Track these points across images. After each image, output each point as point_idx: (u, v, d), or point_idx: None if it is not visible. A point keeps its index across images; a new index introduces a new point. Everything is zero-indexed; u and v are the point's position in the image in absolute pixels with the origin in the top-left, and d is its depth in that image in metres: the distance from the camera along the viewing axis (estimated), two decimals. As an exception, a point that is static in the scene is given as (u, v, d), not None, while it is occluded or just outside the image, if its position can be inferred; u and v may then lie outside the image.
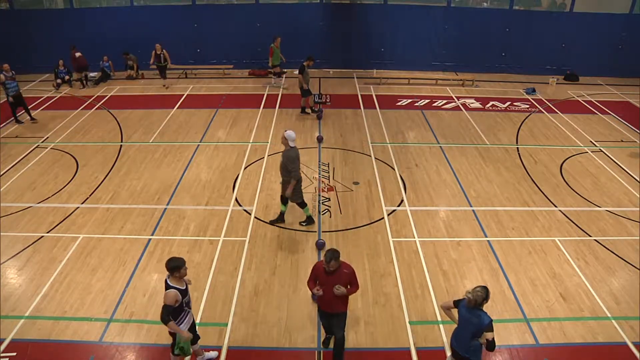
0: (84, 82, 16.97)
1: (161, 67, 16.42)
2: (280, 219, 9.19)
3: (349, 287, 5.75)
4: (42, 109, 14.93)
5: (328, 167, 11.31)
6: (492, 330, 5.02)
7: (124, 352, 6.48)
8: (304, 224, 9.15)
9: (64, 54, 16.84)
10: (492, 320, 5.05)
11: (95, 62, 17.56)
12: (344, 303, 5.90)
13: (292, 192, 8.41)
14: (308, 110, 14.42)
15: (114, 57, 17.55)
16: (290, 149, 8.21)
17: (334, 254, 5.58)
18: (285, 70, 18.31)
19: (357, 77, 17.96)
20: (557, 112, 15.02)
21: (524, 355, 6.48)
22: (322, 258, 8.23)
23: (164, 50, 16.00)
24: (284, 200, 9.00)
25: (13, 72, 13.37)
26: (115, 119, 14.15)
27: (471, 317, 5.12)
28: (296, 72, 14.00)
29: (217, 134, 13.14)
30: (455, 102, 15.77)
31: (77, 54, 16.53)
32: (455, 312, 5.41)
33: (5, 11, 17.93)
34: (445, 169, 11.36)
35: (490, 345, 4.99)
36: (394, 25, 18.15)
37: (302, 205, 8.92)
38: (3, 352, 6.44)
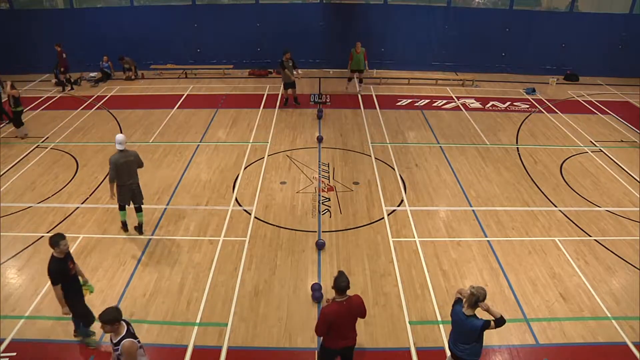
0: (69, 83, 16.57)
1: (15, 112, 12.55)
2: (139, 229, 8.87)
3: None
4: (42, 109, 14.93)
5: (328, 167, 11.31)
6: (489, 324, 5.06)
7: (124, 352, 6.47)
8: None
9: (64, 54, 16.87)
10: (484, 320, 5.07)
11: (95, 62, 17.59)
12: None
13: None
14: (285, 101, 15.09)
15: (114, 57, 17.55)
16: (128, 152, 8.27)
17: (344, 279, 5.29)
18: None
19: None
20: (557, 112, 15.02)
21: (524, 355, 6.48)
22: (322, 258, 8.28)
23: (13, 91, 12.30)
24: (139, 209, 8.74)
25: None
26: (115, 119, 14.15)
27: (463, 325, 5.15)
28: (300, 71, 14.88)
29: (217, 134, 13.14)
30: (455, 102, 15.76)
31: (64, 55, 16.14)
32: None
33: (5, 11, 17.93)
34: (445, 169, 11.36)
35: (500, 323, 5.07)
36: (394, 25, 18.15)
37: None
38: (3, 352, 6.44)
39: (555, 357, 6.48)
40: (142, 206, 8.78)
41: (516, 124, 14.09)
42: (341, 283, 5.21)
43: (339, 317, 5.28)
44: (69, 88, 16.58)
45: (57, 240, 5.94)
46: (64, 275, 6.01)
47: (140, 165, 8.61)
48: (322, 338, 5.57)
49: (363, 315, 5.57)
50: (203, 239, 8.74)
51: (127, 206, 8.69)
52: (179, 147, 12.28)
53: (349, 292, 5.36)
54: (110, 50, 17.45)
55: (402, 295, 7.46)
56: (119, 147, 8.14)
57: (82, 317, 6.39)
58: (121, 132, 13.14)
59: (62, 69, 16.20)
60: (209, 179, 10.79)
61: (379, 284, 7.69)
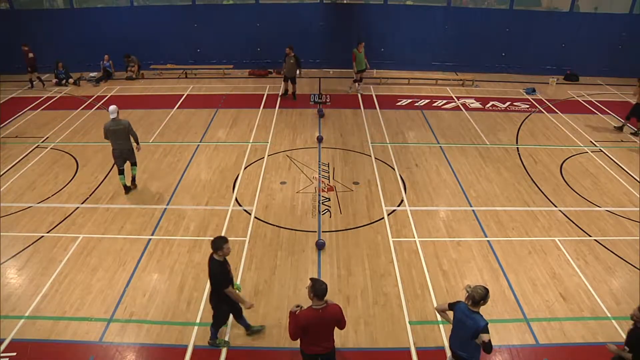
0: (33, 82, 16.76)
1: None
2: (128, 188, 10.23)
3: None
4: (42, 109, 14.93)
5: (328, 167, 11.31)
6: (487, 332, 5.00)
7: (124, 352, 6.48)
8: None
9: (64, 54, 16.84)
10: (487, 323, 5.03)
11: (95, 62, 17.60)
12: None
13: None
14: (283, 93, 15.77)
15: (114, 57, 17.56)
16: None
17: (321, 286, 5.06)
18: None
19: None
20: (557, 112, 15.02)
21: (524, 355, 6.48)
22: (322, 258, 8.28)
23: None
24: (133, 163, 10.23)
25: None
26: (115, 119, 14.14)
27: (467, 319, 5.11)
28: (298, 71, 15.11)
29: (217, 134, 13.14)
30: (455, 102, 15.76)
31: (31, 55, 16.21)
32: (450, 314, 5.38)
33: (5, 11, 17.92)
34: (445, 169, 11.36)
35: (487, 347, 4.98)
36: (394, 25, 18.14)
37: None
38: (3, 352, 6.44)
39: (555, 357, 6.48)
40: (145, 206, 8.84)
41: (516, 124, 14.09)
42: (320, 287, 4.98)
43: (313, 323, 5.06)
44: (29, 86, 16.71)
45: (220, 244, 5.85)
46: (226, 277, 5.99)
47: (132, 134, 9.80)
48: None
49: (340, 326, 5.30)
50: (203, 239, 8.74)
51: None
52: (179, 147, 12.29)
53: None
54: (110, 50, 17.47)
55: (402, 295, 7.46)
56: (111, 115, 9.47)
57: (223, 320, 6.40)
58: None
59: (28, 69, 16.42)
60: (209, 179, 10.79)
61: (379, 284, 7.69)
